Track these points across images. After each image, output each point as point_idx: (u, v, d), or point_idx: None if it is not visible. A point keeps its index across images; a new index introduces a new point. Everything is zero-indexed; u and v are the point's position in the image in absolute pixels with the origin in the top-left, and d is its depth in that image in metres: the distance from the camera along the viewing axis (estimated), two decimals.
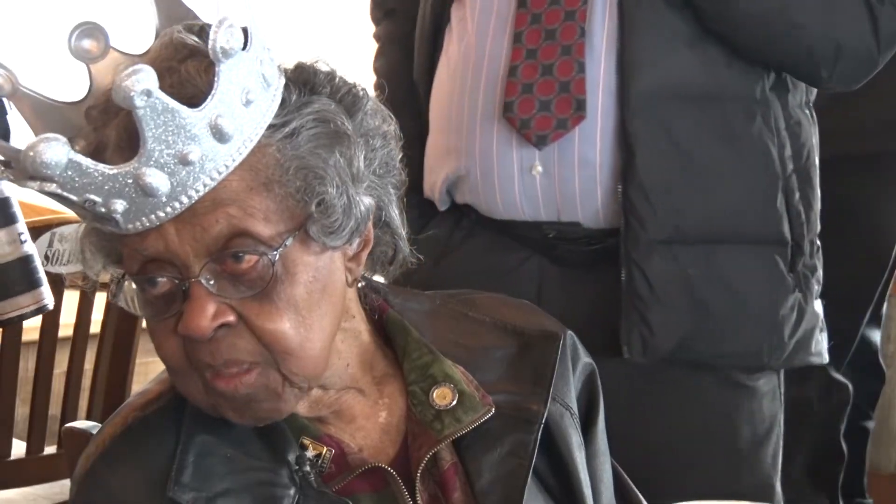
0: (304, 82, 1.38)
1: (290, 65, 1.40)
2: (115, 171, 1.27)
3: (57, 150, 1.23)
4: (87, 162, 1.26)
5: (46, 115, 1.36)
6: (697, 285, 1.99)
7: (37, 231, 2.52)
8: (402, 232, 1.47)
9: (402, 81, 2.21)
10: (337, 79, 1.40)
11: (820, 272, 2.10)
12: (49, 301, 2.26)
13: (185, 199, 1.30)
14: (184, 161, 1.28)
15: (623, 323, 1.99)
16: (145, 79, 1.23)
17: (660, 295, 1.98)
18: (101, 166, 1.26)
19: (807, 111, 2.08)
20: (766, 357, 2.04)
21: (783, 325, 2.03)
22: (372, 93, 1.44)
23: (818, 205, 2.09)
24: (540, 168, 2.00)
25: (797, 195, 2.03)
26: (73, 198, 1.27)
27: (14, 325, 2.62)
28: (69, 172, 1.25)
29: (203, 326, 1.32)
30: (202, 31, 1.35)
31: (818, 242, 2.10)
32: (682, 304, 1.99)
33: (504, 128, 2.01)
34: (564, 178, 1.99)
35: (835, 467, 3.53)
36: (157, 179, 1.28)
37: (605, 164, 1.98)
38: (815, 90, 2.10)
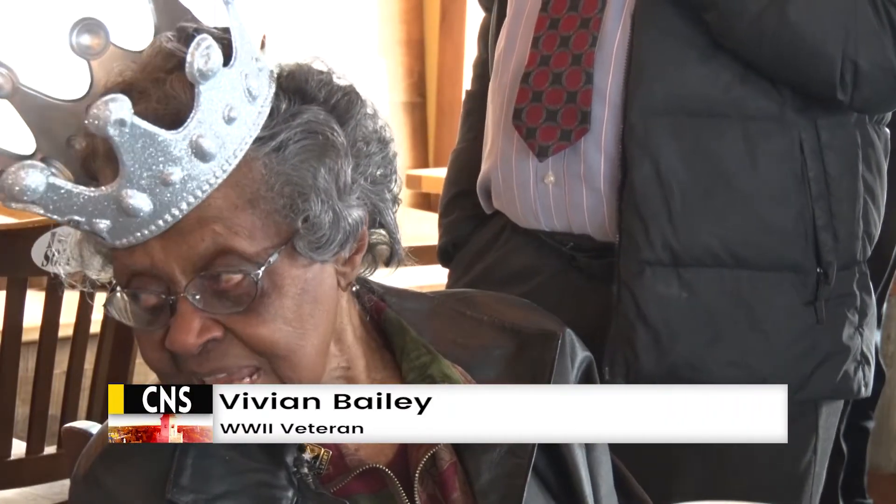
0: (295, 90, 1.37)
1: (286, 67, 1.38)
2: (95, 193, 1.28)
3: (35, 177, 1.24)
4: (66, 186, 1.26)
5: (47, 114, 1.36)
6: (690, 311, 1.90)
7: (37, 231, 2.51)
8: (398, 234, 1.47)
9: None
10: (332, 84, 1.39)
11: (861, 301, 1.98)
12: None
13: (168, 218, 1.30)
14: (165, 182, 1.28)
15: (608, 343, 1.90)
16: (118, 109, 1.23)
17: (648, 318, 1.89)
18: (81, 189, 1.27)
19: (856, 133, 1.95)
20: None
21: (790, 355, 1.92)
22: (368, 95, 1.43)
23: (859, 230, 1.96)
24: (552, 178, 1.95)
25: (822, 221, 1.91)
26: (57, 218, 1.28)
27: (14, 325, 2.62)
28: (50, 195, 1.26)
29: (189, 343, 1.32)
30: (192, 37, 1.33)
31: (861, 271, 1.98)
32: (671, 329, 1.90)
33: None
34: (573, 190, 1.94)
35: (835, 467, 3.52)
36: (139, 201, 1.28)
37: (608, 179, 1.92)
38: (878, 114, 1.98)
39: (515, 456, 1.44)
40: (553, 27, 1.96)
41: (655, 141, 1.88)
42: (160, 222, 1.30)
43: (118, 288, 1.35)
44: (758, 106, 1.90)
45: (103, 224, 1.29)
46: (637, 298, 1.90)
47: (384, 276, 1.52)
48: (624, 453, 1.64)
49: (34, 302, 2.70)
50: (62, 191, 1.26)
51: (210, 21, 1.39)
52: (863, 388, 2.01)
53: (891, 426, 4.14)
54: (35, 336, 2.74)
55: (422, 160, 5.03)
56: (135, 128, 1.24)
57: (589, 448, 1.55)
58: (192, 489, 1.37)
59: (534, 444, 1.45)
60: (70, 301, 2.66)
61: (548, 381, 1.49)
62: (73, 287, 1.45)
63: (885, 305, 3.62)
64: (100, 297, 1.46)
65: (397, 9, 4.99)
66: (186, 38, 1.34)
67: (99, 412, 2.79)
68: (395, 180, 1.44)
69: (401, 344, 1.49)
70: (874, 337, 2.04)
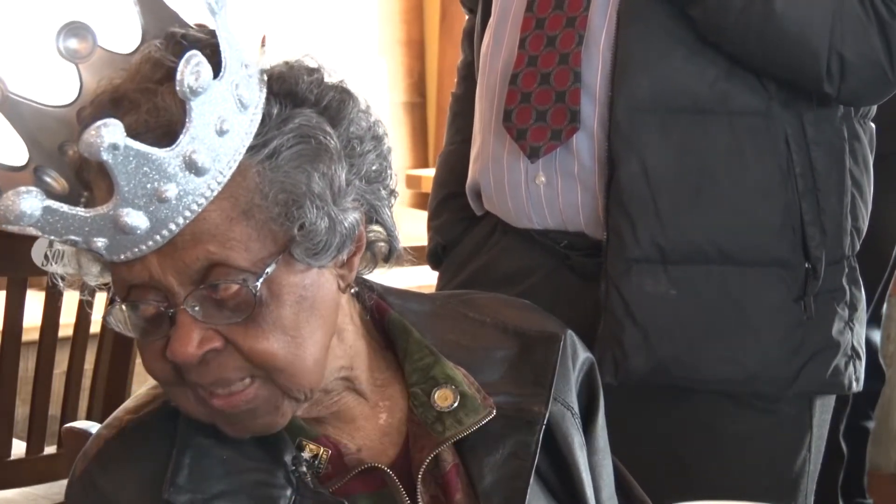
0: (286, 93, 1.35)
1: (276, 68, 1.37)
2: (91, 213, 1.27)
3: (29, 203, 1.23)
4: (62, 208, 1.26)
5: (37, 121, 1.35)
6: (679, 308, 1.89)
7: None
8: (395, 232, 1.46)
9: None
10: (323, 84, 1.37)
11: (851, 296, 1.97)
12: None
13: (165, 233, 1.29)
14: (160, 199, 1.27)
15: (597, 342, 1.90)
16: (110, 134, 1.22)
17: (636, 316, 1.89)
18: (78, 210, 1.26)
19: (842, 127, 1.95)
20: (764, 385, 1.92)
21: (779, 351, 1.92)
22: (360, 91, 1.42)
23: (848, 224, 1.95)
24: (543, 178, 1.95)
25: (810, 216, 1.92)
26: (54, 238, 1.28)
27: (14, 325, 2.62)
28: (46, 218, 1.25)
29: (189, 353, 1.32)
30: (181, 45, 1.33)
31: (850, 265, 1.98)
32: (660, 326, 1.89)
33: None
34: (566, 189, 1.94)
35: (835, 467, 3.53)
36: (135, 219, 1.27)
37: (602, 176, 1.91)
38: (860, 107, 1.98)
39: (517, 458, 1.44)
40: (539, 27, 1.96)
41: (641, 137, 1.88)
42: (157, 237, 1.29)
43: (117, 300, 1.35)
44: (744, 101, 1.90)
45: (100, 242, 1.29)
46: (625, 296, 1.90)
47: (383, 276, 1.52)
48: (625, 456, 1.64)
49: (34, 302, 2.70)
50: (58, 214, 1.26)
51: (198, 20, 1.38)
52: (854, 383, 2.00)
53: (891, 426, 4.14)
54: (35, 336, 2.74)
55: (422, 160, 5.02)
56: (128, 149, 1.24)
57: (590, 451, 1.55)
58: (189, 489, 1.37)
59: (536, 447, 1.45)
60: (70, 301, 2.66)
61: (550, 383, 1.49)
62: (71, 288, 1.44)
63: (885, 305, 3.64)
64: (100, 297, 1.46)
65: (397, 9, 4.99)
66: (175, 45, 1.34)
67: (99, 412, 2.79)
68: (391, 175, 1.44)
69: (404, 346, 1.49)
70: (864, 331, 2.03)
